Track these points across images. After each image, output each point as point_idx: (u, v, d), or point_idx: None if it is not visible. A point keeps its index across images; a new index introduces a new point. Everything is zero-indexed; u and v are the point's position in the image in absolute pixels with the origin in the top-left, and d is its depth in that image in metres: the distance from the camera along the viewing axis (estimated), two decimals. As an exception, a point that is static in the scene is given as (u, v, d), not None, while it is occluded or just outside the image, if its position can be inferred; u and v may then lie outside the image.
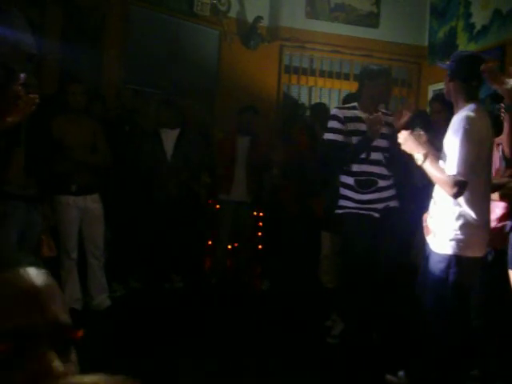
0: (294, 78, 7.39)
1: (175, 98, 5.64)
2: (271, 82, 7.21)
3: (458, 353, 3.23)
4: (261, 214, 5.62)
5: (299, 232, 5.13)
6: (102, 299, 4.72)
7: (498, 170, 3.43)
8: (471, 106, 3.03)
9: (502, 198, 3.38)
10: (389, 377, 3.69)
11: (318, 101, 7.15)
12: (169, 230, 5.15)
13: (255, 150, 5.35)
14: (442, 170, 2.98)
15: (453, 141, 2.95)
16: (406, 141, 3.11)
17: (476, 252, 3.10)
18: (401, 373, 3.67)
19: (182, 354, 3.89)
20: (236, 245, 5.62)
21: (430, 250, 3.23)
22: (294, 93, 7.44)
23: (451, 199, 3.04)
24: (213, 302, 5.13)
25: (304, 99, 7.41)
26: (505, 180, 3.34)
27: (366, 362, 3.97)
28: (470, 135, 2.90)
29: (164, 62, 6.48)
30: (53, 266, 4.46)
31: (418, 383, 3.43)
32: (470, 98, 3.06)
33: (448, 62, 3.20)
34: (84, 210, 4.60)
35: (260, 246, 5.68)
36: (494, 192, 3.31)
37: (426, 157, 3.00)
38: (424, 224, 3.35)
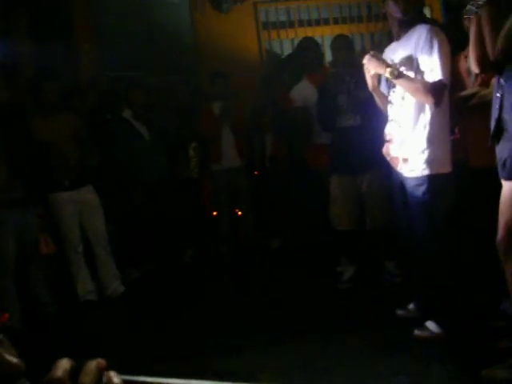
0: (274, 33, 7.27)
1: (142, 78, 5.57)
2: (251, 42, 7.10)
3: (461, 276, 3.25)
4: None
5: (295, 184, 5.13)
6: (116, 286, 4.78)
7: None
8: None
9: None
10: (399, 311, 3.70)
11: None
12: (164, 209, 5.16)
13: (237, 112, 5.29)
14: (419, 80, 3.07)
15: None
16: (370, 60, 3.18)
17: (448, 168, 3.17)
18: (411, 306, 3.67)
19: (204, 322, 4.01)
20: (240, 210, 5.63)
21: (404, 177, 3.24)
22: (276, 49, 7.33)
23: (418, 119, 3.09)
24: (226, 271, 5.19)
25: (288, 53, 7.28)
26: (474, 89, 3.29)
27: (378, 302, 4.01)
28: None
29: (140, 43, 6.42)
30: (61, 263, 4.57)
31: (426, 312, 3.43)
32: None
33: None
34: (81, 203, 4.64)
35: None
36: (465, 104, 3.30)
37: (395, 71, 3.05)
38: (388, 157, 3.35)
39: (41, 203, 4.31)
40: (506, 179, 2.67)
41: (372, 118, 4.18)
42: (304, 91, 4.85)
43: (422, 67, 3.08)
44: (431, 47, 3.03)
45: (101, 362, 0.70)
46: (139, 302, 4.63)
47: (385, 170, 3.72)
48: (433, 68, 3.04)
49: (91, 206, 4.68)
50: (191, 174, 5.40)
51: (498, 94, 2.62)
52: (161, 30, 6.50)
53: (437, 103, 3.07)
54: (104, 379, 0.69)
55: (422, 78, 3.08)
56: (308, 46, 5.32)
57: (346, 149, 4.28)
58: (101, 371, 0.70)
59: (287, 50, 7.31)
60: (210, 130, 5.28)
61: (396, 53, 3.22)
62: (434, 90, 3.03)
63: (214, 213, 5.67)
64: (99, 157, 4.71)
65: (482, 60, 2.69)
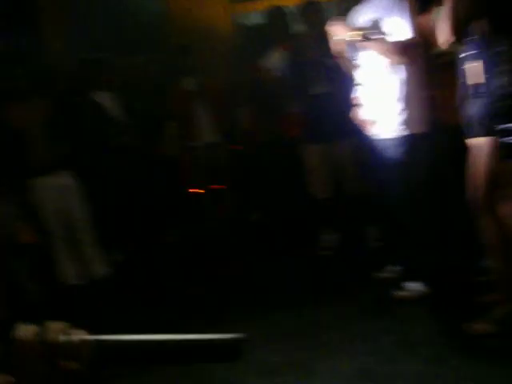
0: (249, 5, 7.15)
1: (112, 58, 5.46)
2: (222, 15, 6.98)
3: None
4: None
5: (273, 156, 5.11)
6: (101, 270, 4.76)
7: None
8: None
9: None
10: (383, 274, 3.73)
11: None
12: (144, 189, 5.11)
13: (210, 86, 5.24)
14: (390, 41, 3.08)
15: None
16: (334, 26, 3.17)
17: (424, 127, 3.17)
18: (393, 267, 3.70)
19: (194, 297, 4.10)
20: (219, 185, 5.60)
21: (380, 140, 3.24)
22: (247, 21, 7.23)
23: (390, 80, 3.08)
24: (210, 247, 5.20)
25: (258, 24, 7.18)
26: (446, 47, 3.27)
27: (362, 266, 4.05)
28: None
29: (108, 23, 6.31)
30: (45, 250, 4.54)
31: (409, 273, 3.47)
32: None
33: None
34: (60, 189, 4.59)
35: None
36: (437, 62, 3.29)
37: (364, 34, 3.04)
38: (360, 120, 3.35)
39: (18, 191, 4.25)
40: (483, 136, 2.67)
41: (343, 84, 4.18)
42: (276, 61, 4.81)
43: (391, 28, 3.07)
44: (398, 7, 3.03)
45: (63, 323, 0.70)
46: (125, 283, 4.63)
47: (359, 135, 3.74)
48: (402, 28, 3.03)
49: (70, 190, 4.63)
50: (169, 152, 5.35)
51: (470, 56, 2.61)
52: (129, 8, 6.40)
53: (409, 62, 3.06)
54: (74, 338, 0.69)
55: (392, 38, 3.07)
56: (276, 15, 5.28)
57: (318, 117, 4.27)
58: (66, 330, 0.70)
59: (258, 22, 7.21)
60: (183, 107, 5.22)
61: (363, 15, 3.20)
62: (405, 50, 3.02)
63: (195, 190, 5.63)
64: (72, 141, 4.65)
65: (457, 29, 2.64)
